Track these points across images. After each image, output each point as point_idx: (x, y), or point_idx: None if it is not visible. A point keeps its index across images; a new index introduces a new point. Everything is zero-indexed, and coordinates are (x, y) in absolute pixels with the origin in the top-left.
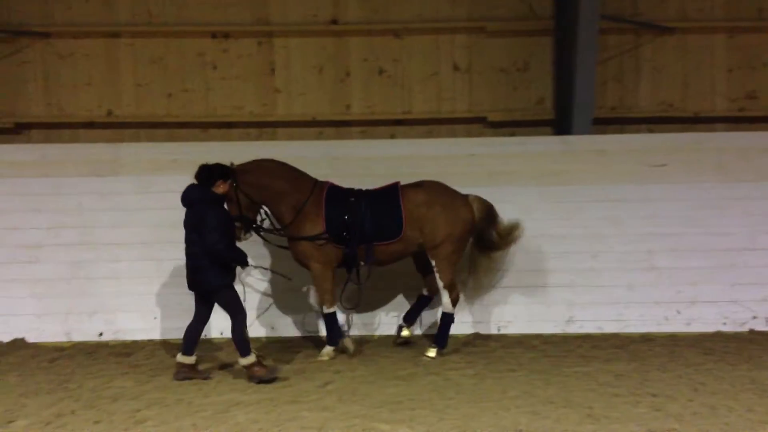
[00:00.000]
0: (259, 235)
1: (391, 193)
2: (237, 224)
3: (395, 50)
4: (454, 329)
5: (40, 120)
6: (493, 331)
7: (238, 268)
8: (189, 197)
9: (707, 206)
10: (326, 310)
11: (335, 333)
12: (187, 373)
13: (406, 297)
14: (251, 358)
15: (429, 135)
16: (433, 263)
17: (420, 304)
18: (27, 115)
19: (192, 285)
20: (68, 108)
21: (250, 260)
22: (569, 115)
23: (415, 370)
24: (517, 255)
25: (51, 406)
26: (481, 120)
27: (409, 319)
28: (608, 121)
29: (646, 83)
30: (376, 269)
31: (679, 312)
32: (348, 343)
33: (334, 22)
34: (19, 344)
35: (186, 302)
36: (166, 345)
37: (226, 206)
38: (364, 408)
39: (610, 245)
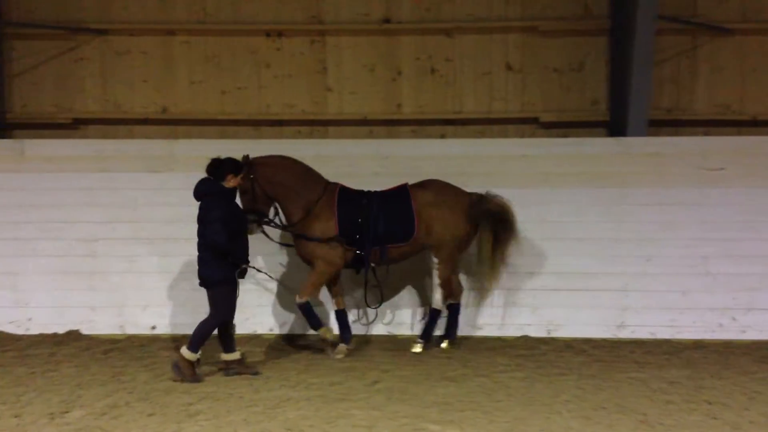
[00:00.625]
0: (264, 233)
1: (402, 195)
2: (251, 217)
3: (447, 49)
4: (503, 331)
5: (97, 116)
6: (543, 334)
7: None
8: (199, 191)
9: (765, 212)
10: (299, 300)
11: (316, 319)
12: (237, 368)
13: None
14: (195, 356)
15: (480, 135)
16: (436, 260)
17: (453, 315)
18: (84, 111)
19: (198, 278)
20: (124, 104)
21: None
22: (624, 117)
23: (465, 371)
24: (567, 257)
25: (105, 398)
26: (533, 120)
27: (448, 334)
28: (663, 123)
29: (703, 85)
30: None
31: (734, 319)
32: (327, 334)
33: (387, 20)
34: (74, 336)
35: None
36: (216, 339)
37: (238, 200)
38: (414, 408)
39: (663, 250)
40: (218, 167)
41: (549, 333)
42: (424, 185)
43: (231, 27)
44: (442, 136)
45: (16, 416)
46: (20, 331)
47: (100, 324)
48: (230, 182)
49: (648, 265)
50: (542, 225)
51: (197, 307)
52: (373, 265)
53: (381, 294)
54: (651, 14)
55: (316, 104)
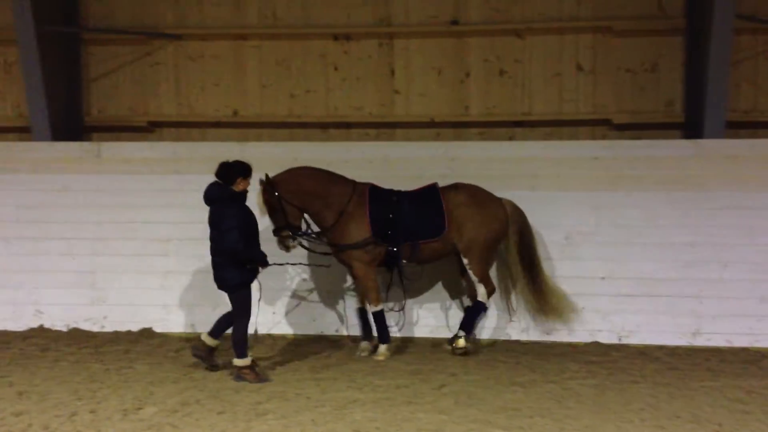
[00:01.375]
0: (302, 245)
1: (432, 192)
2: (284, 233)
3: (517, 50)
4: (573, 337)
5: (171, 119)
6: (614, 341)
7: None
8: (209, 195)
9: None
10: (373, 309)
11: (386, 331)
12: (203, 353)
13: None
14: (247, 361)
15: (549, 137)
16: (466, 261)
17: (474, 311)
18: (159, 114)
19: (215, 281)
20: (197, 108)
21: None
22: (700, 119)
23: (534, 377)
24: (640, 263)
25: (177, 395)
26: (605, 122)
27: (470, 330)
28: (741, 125)
29: None
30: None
31: None
32: (387, 352)
33: (455, 22)
34: (147, 333)
35: (307, 298)
36: (284, 339)
37: (258, 209)
38: (481, 413)
39: (741, 255)
40: (228, 171)
41: (621, 339)
42: (457, 187)
43: (300, 31)
44: (511, 138)
45: (91, 411)
46: (96, 329)
47: (172, 322)
48: (240, 185)
49: (725, 270)
50: (614, 229)
51: (267, 308)
52: (405, 261)
53: (404, 294)
54: (728, 13)
55: (383, 106)
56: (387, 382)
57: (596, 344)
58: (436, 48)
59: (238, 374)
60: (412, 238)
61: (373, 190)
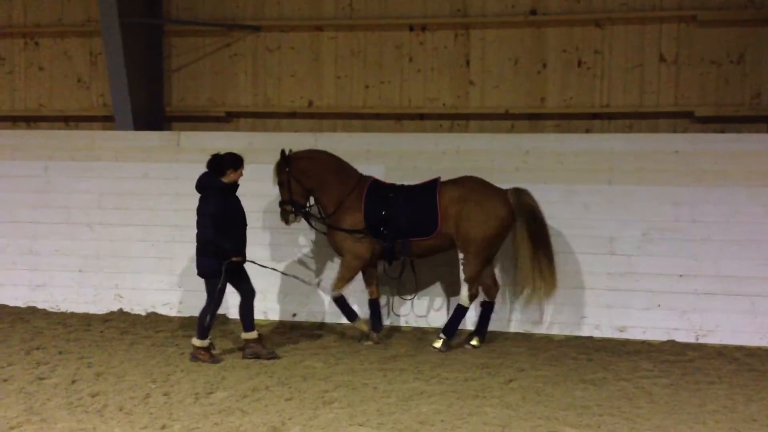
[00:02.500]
0: (307, 221)
1: (429, 189)
2: (288, 207)
3: (596, 41)
4: (648, 335)
5: (248, 109)
6: (691, 340)
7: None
8: (199, 184)
9: None
10: (333, 294)
11: (351, 311)
12: (254, 349)
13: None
14: (205, 343)
15: (628, 130)
16: (461, 256)
17: (485, 313)
18: (236, 104)
19: (196, 268)
20: (273, 98)
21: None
22: None
23: (605, 374)
24: (720, 260)
25: (247, 381)
26: (687, 115)
27: (479, 332)
28: None
29: None
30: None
31: None
32: (363, 325)
33: (533, 12)
34: (221, 319)
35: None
36: (352, 328)
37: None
38: (549, 409)
39: None
40: (218, 162)
41: (698, 339)
42: (457, 181)
43: (376, 22)
44: (588, 131)
45: (165, 394)
46: (173, 313)
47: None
48: (230, 177)
49: None
50: (694, 225)
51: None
52: (400, 257)
53: (415, 286)
54: None
55: (457, 98)
56: (454, 374)
57: (672, 343)
58: (512, 38)
59: (194, 354)
60: (403, 236)
61: (373, 184)
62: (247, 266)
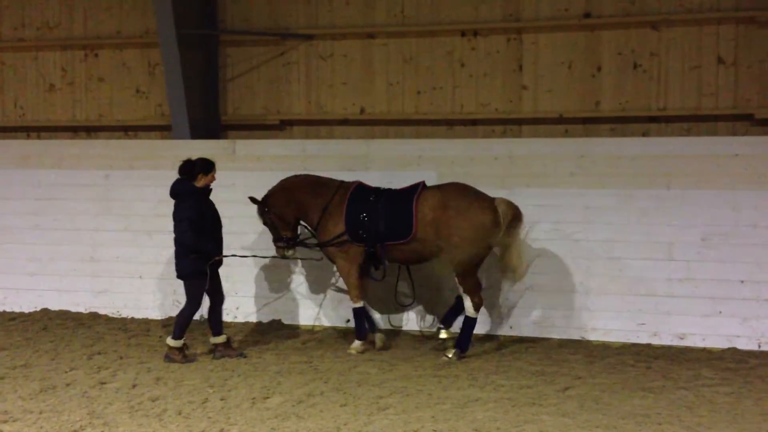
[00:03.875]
0: (307, 247)
1: (409, 193)
2: (280, 244)
3: (652, 43)
4: (707, 342)
5: (301, 117)
6: (753, 347)
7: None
8: (173, 190)
9: None
10: (354, 306)
11: (363, 328)
12: (223, 352)
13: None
14: (179, 343)
15: (686, 133)
16: (452, 267)
17: (458, 307)
18: (290, 112)
19: (175, 270)
20: (326, 106)
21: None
22: None
23: (665, 382)
24: None
25: (303, 386)
26: (747, 117)
27: (446, 321)
28: None
29: None
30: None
31: None
32: (378, 339)
33: (587, 15)
34: (275, 325)
35: (425, 296)
36: (407, 335)
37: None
38: (608, 418)
39: None
40: (189, 167)
41: (760, 346)
42: (440, 187)
43: (428, 28)
44: (644, 135)
45: (222, 399)
46: (229, 318)
47: (299, 315)
48: (201, 181)
49: None
50: (756, 230)
51: (389, 303)
52: (388, 263)
53: (413, 290)
54: None
55: (510, 103)
56: (510, 382)
57: (733, 350)
58: (566, 42)
59: (167, 354)
60: (380, 240)
61: (357, 189)
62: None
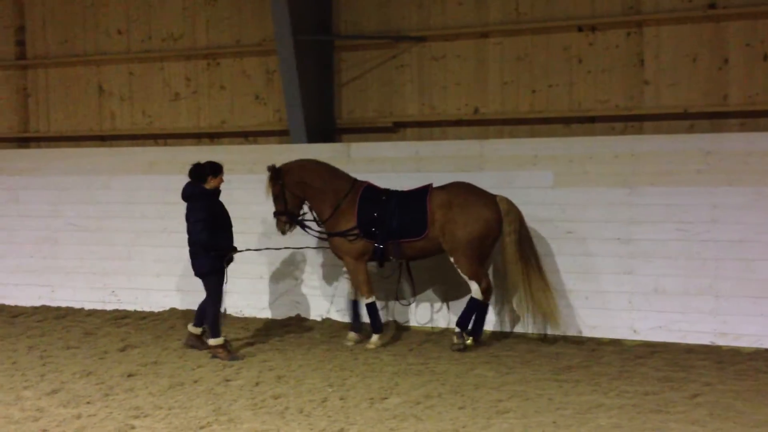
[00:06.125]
0: (303, 228)
1: (420, 193)
2: (282, 218)
3: None
4: None
5: (414, 119)
6: None
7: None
8: (184, 193)
9: None
10: (366, 301)
11: (378, 321)
12: (194, 342)
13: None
14: (220, 340)
15: None
16: (452, 259)
17: (474, 310)
18: (403, 114)
19: (192, 268)
20: (438, 107)
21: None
22: None
23: None
24: None
25: (420, 387)
26: None
27: (464, 326)
28: None
29: None
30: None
31: None
32: (350, 338)
33: (712, 6)
34: (393, 326)
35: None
36: (524, 339)
37: (265, 193)
38: (740, 427)
39: None
40: (199, 170)
41: None
42: (445, 187)
43: (543, 25)
44: None
45: (341, 398)
46: (346, 319)
47: (418, 316)
48: (210, 183)
49: None
50: None
51: (509, 304)
52: (393, 259)
53: (412, 288)
54: None
55: (631, 99)
56: (634, 388)
57: None
58: (690, 34)
59: (213, 353)
60: (394, 237)
61: (367, 189)
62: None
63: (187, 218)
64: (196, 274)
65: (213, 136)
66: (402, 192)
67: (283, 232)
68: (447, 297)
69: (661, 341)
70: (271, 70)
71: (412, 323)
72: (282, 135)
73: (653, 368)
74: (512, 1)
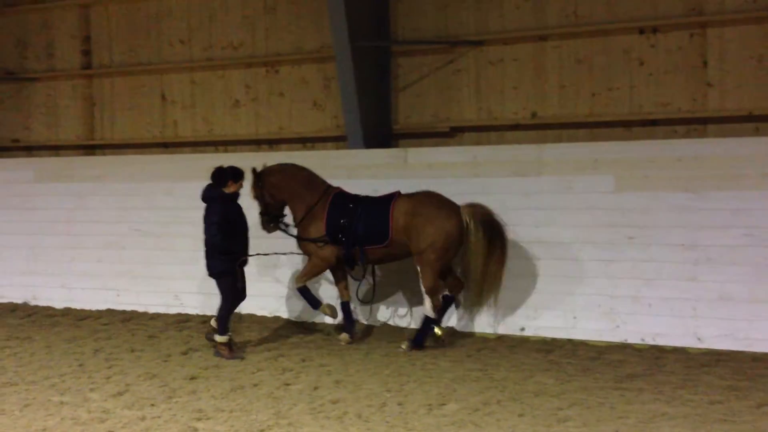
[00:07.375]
0: (281, 229)
1: (385, 201)
2: (265, 218)
3: None
4: None
5: (471, 124)
6: None
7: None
8: (204, 195)
9: None
10: (297, 285)
11: (314, 300)
12: (213, 337)
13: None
14: (225, 338)
15: None
16: (418, 268)
17: (445, 304)
18: (460, 119)
19: (206, 269)
20: (496, 111)
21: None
22: None
23: None
24: None
25: (478, 394)
26: None
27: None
28: None
29: None
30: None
31: None
32: (343, 338)
33: None
34: (450, 332)
35: (606, 304)
36: (585, 346)
37: (241, 202)
38: None
39: None
40: (220, 175)
41: None
42: (412, 195)
43: (602, 27)
44: None
45: (399, 404)
46: (403, 324)
47: (475, 323)
48: (230, 188)
49: None
50: None
51: (566, 311)
52: (359, 263)
53: (373, 292)
54: None
55: (694, 101)
56: (698, 396)
57: None
58: (755, 35)
59: (216, 350)
60: (359, 244)
61: (337, 195)
62: None
63: (204, 220)
64: (210, 275)
65: (271, 143)
66: (369, 198)
67: (268, 231)
68: (503, 303)
69: (726, 349)
70: (329, 77)
71: (475, 329)
72: (339, 141)
73: (718, 377)
74: (571, 4)
